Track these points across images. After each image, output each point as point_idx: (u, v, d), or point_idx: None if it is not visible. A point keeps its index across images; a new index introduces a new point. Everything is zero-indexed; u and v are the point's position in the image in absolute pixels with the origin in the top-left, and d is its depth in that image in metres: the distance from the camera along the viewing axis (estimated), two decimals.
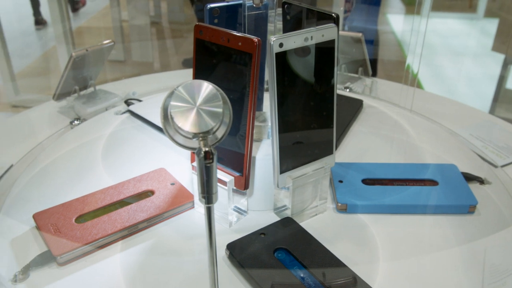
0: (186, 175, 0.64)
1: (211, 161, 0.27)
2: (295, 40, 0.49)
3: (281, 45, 0.48)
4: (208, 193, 0.28)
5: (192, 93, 0.27)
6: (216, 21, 0.58)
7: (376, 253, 0.53)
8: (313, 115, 0.54)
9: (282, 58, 0.48)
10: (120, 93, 0.92)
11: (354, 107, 0.81)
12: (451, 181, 0.62)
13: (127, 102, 0.86)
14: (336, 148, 0.70)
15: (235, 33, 0.48)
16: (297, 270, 0.48)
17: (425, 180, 0.62)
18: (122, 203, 0.58)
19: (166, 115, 0.29)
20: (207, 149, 0.27)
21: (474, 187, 0.63)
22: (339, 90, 0.92)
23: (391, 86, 0.99)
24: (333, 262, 0.49)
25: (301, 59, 0.50)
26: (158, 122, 0.77)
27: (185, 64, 2.35)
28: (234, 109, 0.51)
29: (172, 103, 0.28)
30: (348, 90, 0.92)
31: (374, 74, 1.40)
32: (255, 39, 0.47)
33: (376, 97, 0.93)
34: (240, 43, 0.48)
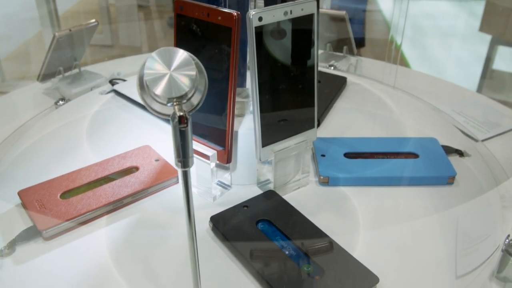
0: (171, 151, 0.64)
1: (185, 125, 0.28)
2: (274, 14, 0.49)
3: (260, 19, 0.48)
4: (184, 157, 0.29)
5: (166, 59, 0.28)
6: None
7: (357, 223, 0.54)
8: (294, 89, 0.54)
9: (261, 32, 0.49)
10: (105, 74, 0.91)
11: (337, 84, 0.81)
12: (431, 153, 0.63)
13: (112, 82, 0.86)
14: (319, 124, 0.71)
15: (214, 7, 0.49)
16: (279, 240, 0.49)
17: (406, 153, 0.63)
18: (107, 179, 0.59)
19: (142, 84, 0.29)
20: (181, 113, 0.27)
21: (454, 159, 0.64)
22: (324, 68, 0.92)
23: (375, 64, 0.99)
24: (314, 231, 0.50)
25: (281, 32, 0.51)
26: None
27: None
28: (216, 84, 0.52)
29: (146, 70, 0.28)
30: (332, 68, 0.93)
31: (362, 47, 1.40)
32: (234, 13, 0.47)
33: (360, 74, 0.94)
34: (219, 17, 0.48)
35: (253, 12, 0.48)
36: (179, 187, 0.60)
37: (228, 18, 0.48)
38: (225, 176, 0.59)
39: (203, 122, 0.55)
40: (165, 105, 0.28)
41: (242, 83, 0.63)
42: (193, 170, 0.57)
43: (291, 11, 0.50)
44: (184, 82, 0.27)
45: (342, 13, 0.91)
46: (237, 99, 0.61)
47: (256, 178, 0.59)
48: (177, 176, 0.60)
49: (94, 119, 0.75)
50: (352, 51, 1.00)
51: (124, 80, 0.86)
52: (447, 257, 0.50)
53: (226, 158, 0.54)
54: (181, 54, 0.27)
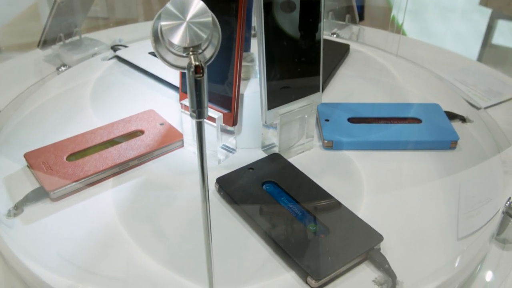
0: (175, 116, 0.65)
1: (201, 75, 0.28)
2: None
3: None
4: (199, 107, 0.29)
5: (181, 8, 0.28)
6: None
7: (361, 186, 0.54)
8: (300, 55, 0.54)
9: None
10: (106, 41, 0.91)
11: (340, 51, 0.81)
12: (434, 119, 0.63)
13: (114, 48, 0.85)
14: (323, 90, 0.71)
15: None
16: (285, 201, 0.50)
17: (409, 118, 0.64)
18: (113, 142, 0.59)
19: (156, 35, 0.29)
20: (197, 63, 0.27)
21: (456, 125, 0.65)
22: (326, 36, 0.92)
23: (378, 33, 0.99)
24: (319, 193, 0.51)
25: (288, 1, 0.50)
26: (146, 66, 0.77)
27: None
28: (222, 49, 0.52)
29: (162, 22, 0.28)
30: (335, 36, 0.92)
31: (362, 20, 1.39)
32: None
33: (363, 43, 0.93)
34: None
35: None
36: (184, 151, 0.60)
37: None
38: (230, 140, 0.59)
39: (210, 85, 0.55)
40: (181, 55, 0.28)
41: (247, 48, 0.63)
42: None
43: None
44: (201, 30, 0.27)
45: None
46: (242, 63, 0.61)
47: (261, 142, 0.60)
48: (182, 140, 0.60)
49: (97, 85, 0.75)
50: (354, 20, 0.99)
51: (126, 46, 0.86)
52: (449, 219, 0.51)
53: (232, 120, 0.55)
54: (197, 3, 0.27)
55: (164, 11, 0.28)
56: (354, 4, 0.95)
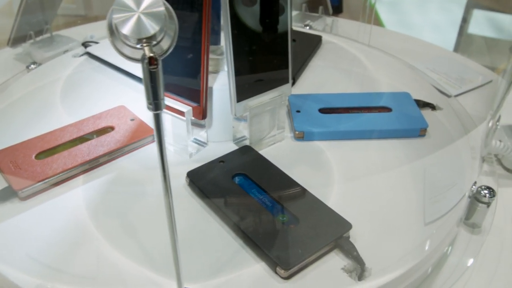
0: (146, 111, 0.64)
1: (155, 66, 0.28)
2: None
3: None
4: (155, 99, 0.29)
5: (134, 0, 0.27)
6: None
7: (332, 175, 0.55)
8: (268, 46, 0.54)
9: None
10: (77, 38, 0.90)
11: (313, 43, 0.81)
12: (404, 107, 0.64)
13: (85, 45, 0.84)
14: (294, 82, 0.72)
15: None
16: (255, 193, 0.50)
17: (379, 108, 0.64)
18: (82, 139, 0.59)
19: (111, 28, 0.29)
20: (151, 54, 0.27)
21: (426, 113, 0.66)
22: (299, 28, 0.92)
23: (351, 24, 0.99)
24: (289, 183, 0.51)
25: None
26: (116, 62, 0.76)
27: None
28: (189, 42, 0.51)
29: (115, 15, 0.28)
30: (308, 28, 0.92)
31: (340, 12, 1.40)
32: None
33: (336, 34, 0.94)
34: None
35: None
36: (155, 146, 0.59)
37: None
38: (201, 134, 0.59)
39: (178, 79, 0.55)
40: (135, 47, 0.28)
41: (217, 41, 0.63)
42: (168, 128, 0.57)
43: None
44: (154, 22, 0.27)
45: None
46: (212, 56, 0.61)
47: (232, 135, 0.60)
48: (153, 135, 0.60)
49: (68, 82, 0.74)
50: (327, 11, 1.00)
51: (97, 43, 0.85)
52: (417, 205, 0.51)
53: (201, 114, 0.54)
54: None
55: (116, 2, 0.28)
56: None
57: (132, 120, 0.62)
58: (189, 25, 0.51)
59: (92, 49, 0.81)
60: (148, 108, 0.29)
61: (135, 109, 0.64)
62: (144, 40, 0.27)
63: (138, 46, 0.28)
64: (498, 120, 0.61)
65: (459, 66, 0.88)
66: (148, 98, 0.29)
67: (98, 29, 0.99)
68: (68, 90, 0.72)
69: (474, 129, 0.66)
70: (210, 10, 0.49)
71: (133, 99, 0.68)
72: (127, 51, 0.30)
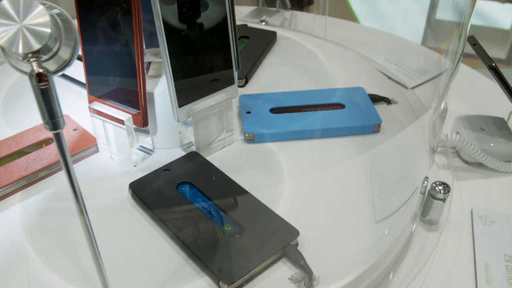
0: (90, 119, 0.61)
1: (46, 83, 0.25)
2: None
3: None
4: (52, 118, 0.26)
5: (17, 9, 0.25)
6: None
7: (282, 178, 0.53)
8: (207, 46, 0.52)
9: None
10: None
11: (267, 39, 0.79)
12: (357, 103, 0.62)
13: None
14: (247, 82, 0.69)
15: None
16: (200, 202, 0.48)
17: (332, 105, 0.62)
18: (21, 153, 0.56)
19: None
20: (40, 70, 0.25)
21: (381, 107, 0.64)
22: (254, 24, 0.89)
23: (311, 17, 0.97)
24: (236, 190, 0.49)
25: None
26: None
27: None
28: (125, 46, 0.49)
29: None
30: (264, 23, 0.90)
31: (311, 4, 1.38)
32: None
33: (295, 29, 0.91)
34: None
35: None
36: (99, 156, 0.57)
37: None
38: (147, 141, 0.56)
39: (116, 85, 0.52)
40: (23, 61, 0.25)
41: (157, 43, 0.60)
42: (111, 138, 0.55)
43: None
44: (39, 34, 0.25)
45: None
46: (154, 59, 0.58)
47: (179, 141, 0.57)
48: (97, 144, 0.57)
49: (9, 92, 0.70)
50: (285, 5, 0.98)
51: None
52: (368, 204, 0.50)
53: (142, 121, 0.52)
54: (32, 4, 0.25)
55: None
56: None
57: (74, 130, 0.59)
58: (122, 28, 0.48)
59: None
60: (45, 127, 0.27)
61: (79, 118, 0.61)
62: (30, 55, 0.25)
63: (25, 61, 0.25)
64: (445, 109, 0.59)
65: (419, 56, 0.87)
66: (43, 118, 0.26)
67: None
68: (9, 101, 0.68)
69: (430, 122, 0.65)
70: (139, 11, 0.47)
71: (78, 107, 0.65)
72: (17, 63, 0.27)
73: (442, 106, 0.55)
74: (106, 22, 0.49)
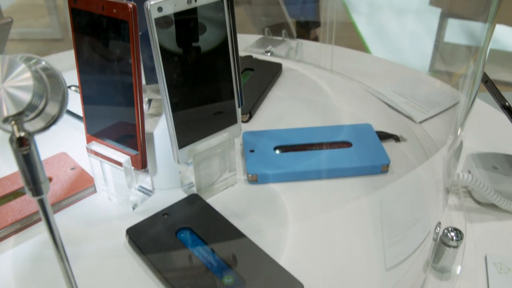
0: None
1: (27, 147, 0.23)
2: (176, 2, 0.45)
3: (160, 9, 0.44)
4: (34, 184, 0.24)
5: None
6: None
7: (285, 222, 0.51)
8: (209, 84, 0.50)
9: (163, 23, 0.44)
10: None
11: (272, 71, 0.78)
12: (365, 141, 0.60)
13: None
14: (251, 117, 0.68)
15: None
16: (200, 250, 0.45)
17: (339, 143, 0.60)
18: (16, 194, 0.54)
19: None
20: (21, 134, 0.23)
21: (389, 145, 0.62)
22: (259, 55, 0.88)
23: (317, 46, 0.96)
24: (238, 238, 0.47)
25: (186, 23, 0.46)
26: None
27: None
28: (123, 84, 0.47)
29: None
30: (269, 54, 0.89)
31: (318, 27, 1.37)
32: (129, 4, 0.43)
33: (301, 60, 0.90)
34: (114, 10, 0.44)
35: (151, 2, 0.43)
36: (97, 197, 0.55)
37: (123, 11, 0.43)
38: (147, 181, 0.54)
39: (115, 125, 0.51)
40: (3, 124, 0.24)
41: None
42: (109, 178, 0.53)
43: None
44: (18, 98, 0.23)
45: None
46: (155, 96, 0.57)
47: (180, 181, 0.55)
48: (94, 185, 0.55)
49: None
50: (291, 35, 0.96)
51: None
52: (377, 249, 0.47)
53: (141, 163, 0.50)
54: (14, 63, 0.23)
55: None
56: (288, 19, 0.92)
57: (72, 169, 0.57)
58: (120, 66, 0.47)
59: None
60: (28, 193, 0.25)
61: (77, 155, 0.60)
62: (11, 119, 0.23)
63: (7, 124, 0.23)
64: (460, 147, 0.57)
65: (426, 86, 0.85)
66: (26, 183, 0.24)
67: (54, 62, 0.94)
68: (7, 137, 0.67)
69: (439, 159, 0.63)
70: (138, 47, 0.45)
71: (77, 143, 0.63)
72: (9, 126, 0.25)
73: (458, 143, 0.53)
74: (104, 59, 0.48)
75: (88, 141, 0.53)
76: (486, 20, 0.46)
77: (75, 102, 0.70)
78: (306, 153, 0.58)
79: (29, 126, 0.26)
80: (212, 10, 0.47)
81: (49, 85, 0.25)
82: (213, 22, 0.48)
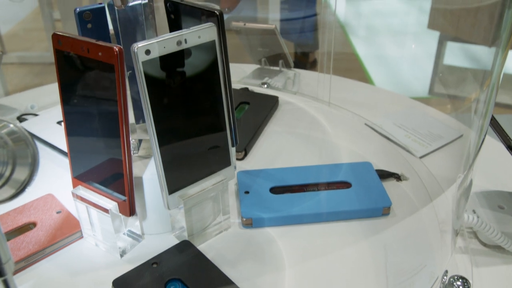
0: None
1: None
2: (165, 45, 0.43)
3: (147, 52, 0.42)
4: None
5: None
6: (89, 26, 0.52)
7: (282, 270, 0.48)
8: (200, 126, 0.48)
9: (151, 66, 0.42)
10: (20, 107, 0.83)
11: (268, 105, 0.76)
12: (365, 181, 0.58)
13: (20, 119, 0.77)
14: (246, 154, 0.65)
15: (94, 41, 0.42)
16: None
17: (337, 183, 0.58)
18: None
19: None
20: None
21: (390, 184, 0.59)
22: (256, 87, 0.86)
23: (315, 76, 0.94)
24: None
25: (175, 65, 0.44)
26: (52, 139, 0.70)
27: None
28: (106, 127, 0.45)
29: None
30: (265, 86, 0.87)
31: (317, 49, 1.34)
32: (115, 47, 0.41)
33: (298, 91, 0.88)
34: (100, 53, 0.42)
35: (139, 45, 0.41)
36: (84, 243, 0.52)
37: (108, 54, 0.41)
38: (136, 225, 0.52)
39: (101, 169, 0.48)
40: None
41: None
42: (96, 223, 0.50)
43: (185, 40, 0.44)
44: None
45: (272, 27, 0.85)
46: (145, 136, 0.54)
47: (171, 226, 0.53)
48: (81, 230, 0.53)
49: None
50: (288, 65, 0.95)
51: (36, 115, 0.78)
52: None
53: (128, 210, 0.47)
54: None
55: None
56: (285, 49, 0.90)
57: (58, 212, 0.55)
58: (105, 109, 0.44)
59: (27, 124, 0.74)
60: None
61: (65, 197, 0.57)
62: None
63: None
64: (469, 186, 0.55)
65: (427, 118, 0.83)
66: None
67: (44, 94, 0.92)
68: None
69: (442, 198, 0.60)
70: (125, 94, 0.43)
71: (66, 183, 0.61)
72: None
73: (467, 182, 0.51)
74: (90, 102, 0.46)
75: (74, 184, 0.51)
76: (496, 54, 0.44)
77: (64, 139, 0.68)
78: (303, 194, 0.56)
79: None
80: (203, 50, 0.45)
81: (15, 151, 0.23)
82: (204, 63, 0.46)
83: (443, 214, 0.57)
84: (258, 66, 0.96)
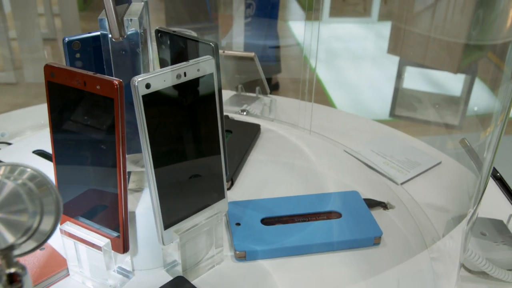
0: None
1: (20, 285, 0.20)
2: (165, 78, 0.42)
3: (148, 85, 0.41)
4: None
5: None
6: (78, 55, 0.50)
7: None
8: (197, 160, 0.47)
9: (151, 100, 0.41)
10: None
11: (251, 133, 0.76)
12: (354, 211, 0.58)
13: None
14: (232, 184, 0.65)
15: (91, 74, 0.41)
16: None
17: (327, 213, 0.58)
18: None
19: None
20: (13, 270, 0.19)
21: (378, 213, 0.60)
22: (236, 114, 0.86)
23: (290, 103, 0.95)
24: None
25: (174, 98, 0.44)
26: None
27: None
28: (102, 161, 0.44)
29: None
30: (245, 113, 0.87)
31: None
32: (115, 81, 0.40)
33: (275, 118, 0.88)
34: (98, 87, 0.41)
35: (139, 79, 0.40)
36: (70, 281, 0.50)
37: (108, 87, 0.40)
38: (126, 261, 0.50)
39: (91, 204, 0.47)
40: None
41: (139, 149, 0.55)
42: (84, 260, 0.48)
43: (185, 73, 0.43)
44: (10, 229, 0.20)
45: (251, 54, 0.86)
46: (134, 168, 0.53)
47: (163, 260, 0.51)
48: (67, 268, 0.50)
49: None
50: (265, 91, 0.95)
51: (9, 144, 0.75)
52: None
53: (122, 247, 0.46)
54: (5, 188, 0.20)
55: None
56: (262, 76, 0.91)
57: (42, 249, 0.52)
58: (99, 143, 0.43)
59: (1, 154, 0.71)
60: None
61: None
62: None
63: None
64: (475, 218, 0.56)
65: (403, 145, 0.85)
66: None
67: (14, 121, 0.88)
68: None
69: (427, 224, 0.61)
70: (124, 130, 0.42)
71: None
72: None
73: (475, 217, 0.52)
74: (83, 137, 0.44)
75: (62, 220, 0.49)
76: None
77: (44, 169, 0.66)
78: (295, 225, 0.56)
79: (18, 249, 0.22)
80: (202, 83, 0.45)
81: (42, 197, 0.21)
82: (201, 96, 0.46)
83: (430, 241, 0.58)
84: (234, 92, 0.96)
